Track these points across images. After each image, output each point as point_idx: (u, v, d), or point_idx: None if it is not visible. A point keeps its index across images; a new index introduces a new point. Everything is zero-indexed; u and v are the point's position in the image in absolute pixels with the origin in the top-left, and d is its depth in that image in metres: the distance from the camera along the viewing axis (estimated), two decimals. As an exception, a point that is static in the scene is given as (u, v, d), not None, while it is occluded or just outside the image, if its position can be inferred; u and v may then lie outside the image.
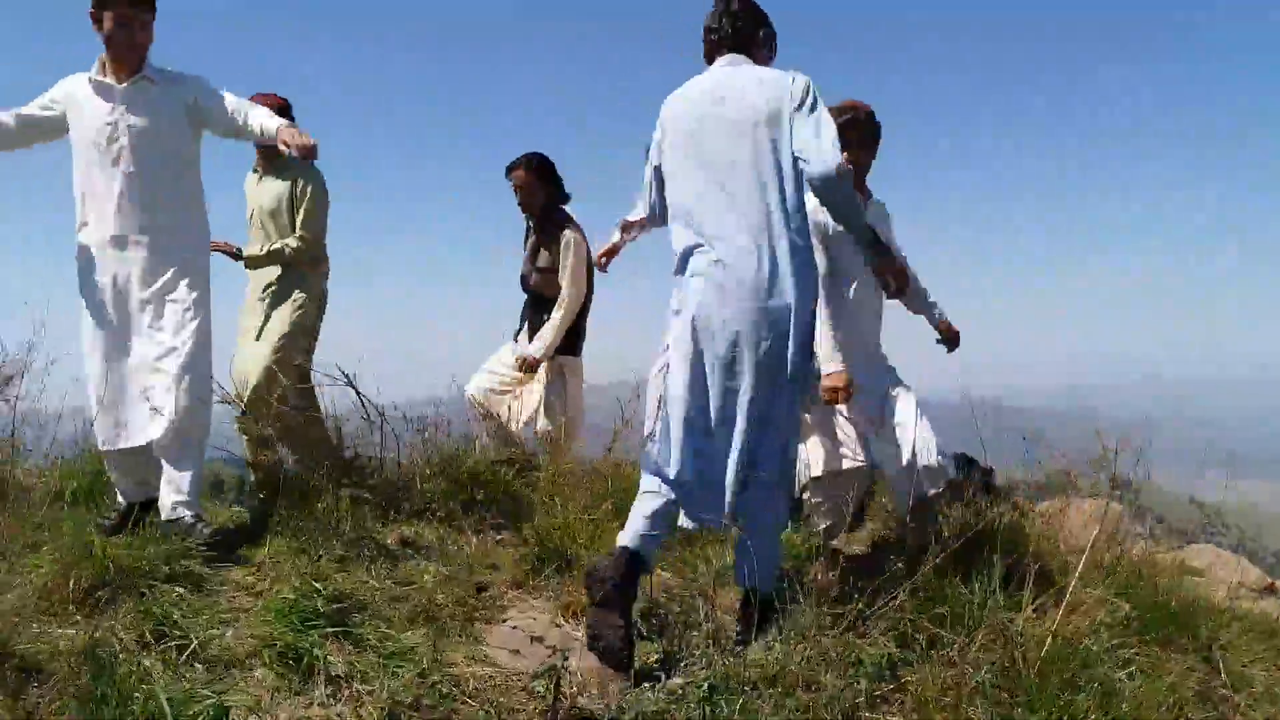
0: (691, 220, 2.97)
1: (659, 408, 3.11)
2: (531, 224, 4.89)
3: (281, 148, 3.39)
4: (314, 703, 2.42)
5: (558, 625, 3.02)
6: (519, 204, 4.85)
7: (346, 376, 3.91)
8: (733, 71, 3.07)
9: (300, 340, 4.17)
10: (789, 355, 2.87)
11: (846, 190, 2.93)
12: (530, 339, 4.82)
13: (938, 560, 2.90)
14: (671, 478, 2.90)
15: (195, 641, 2.53)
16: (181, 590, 2.90)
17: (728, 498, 2.89)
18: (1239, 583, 5.67)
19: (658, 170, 3.22)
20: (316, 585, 2.84)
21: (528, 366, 4.70)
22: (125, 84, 3.45)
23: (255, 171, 4.46)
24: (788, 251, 2.87)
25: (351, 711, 2.39)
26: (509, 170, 4.81)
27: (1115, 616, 3.01)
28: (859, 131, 3.68)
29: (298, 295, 4.23)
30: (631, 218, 3.64)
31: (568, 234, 4.74)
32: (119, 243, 3.43)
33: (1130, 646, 2.85)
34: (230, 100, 3.56)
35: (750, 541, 2.91)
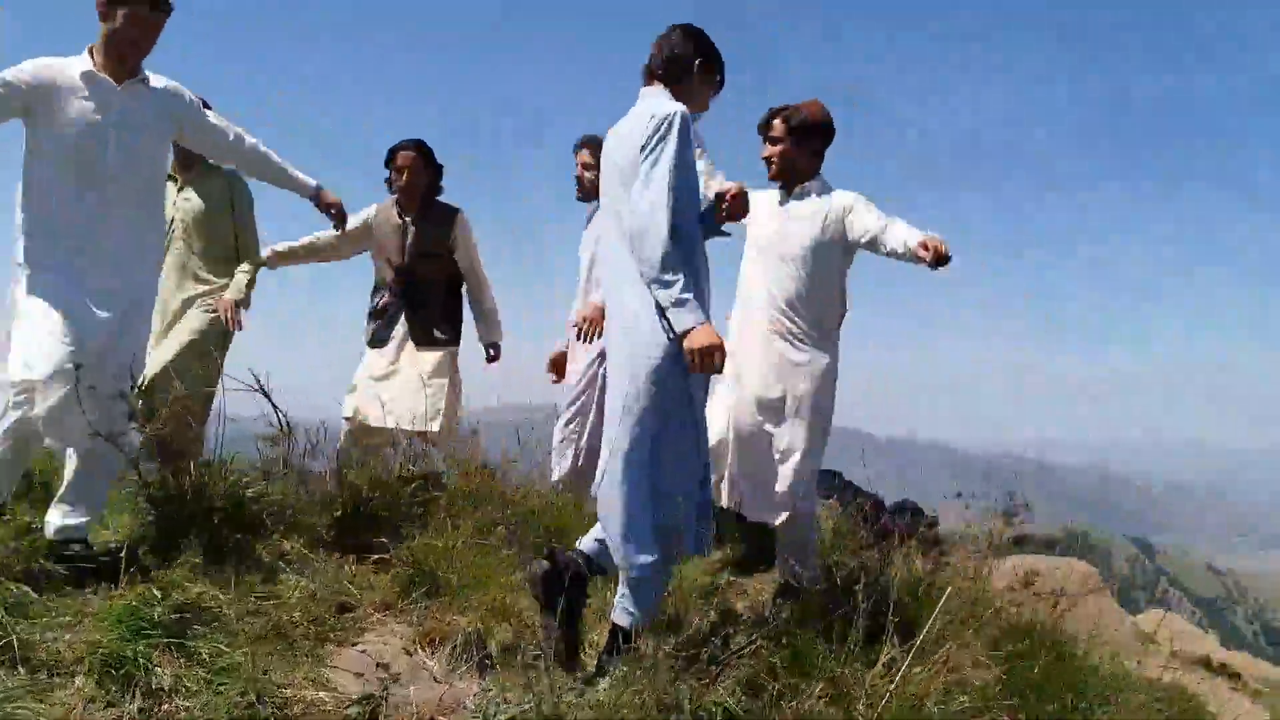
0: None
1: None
2: (404, 213, 4.79)
3: (320, 207, 3.78)
4: (124, 716, 2.37)
5: (409, 653, 2.95)
6: (400, 188, 4.74)
7: (259, 383, 3.86)
8: (636, 109, 3.05)
9: (205, 345, 4.17)
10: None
11: (647, 248, 2.78)
12: (415, 338, 4.72)
13: (797, 604, 2.83)
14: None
15: (16, 644, 2.49)
16: (26, 590, 2.86)
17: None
18: (1173, 652, 5.50)
19: None
20: (157, 593, 2.79)
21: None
22: (123, 85, 3.23)
23: (172, 179, 4.41)
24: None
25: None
26: (394, 152, 4.75)
27: (984, 679, 2.91)
28: (824, 139, 3.81)
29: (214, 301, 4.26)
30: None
31: (463, 214, 4.79)
32: (77, 251, 3.17)
33: (990, 711, 2.73)
34: (221, 124, 3.57)
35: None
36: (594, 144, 4.55)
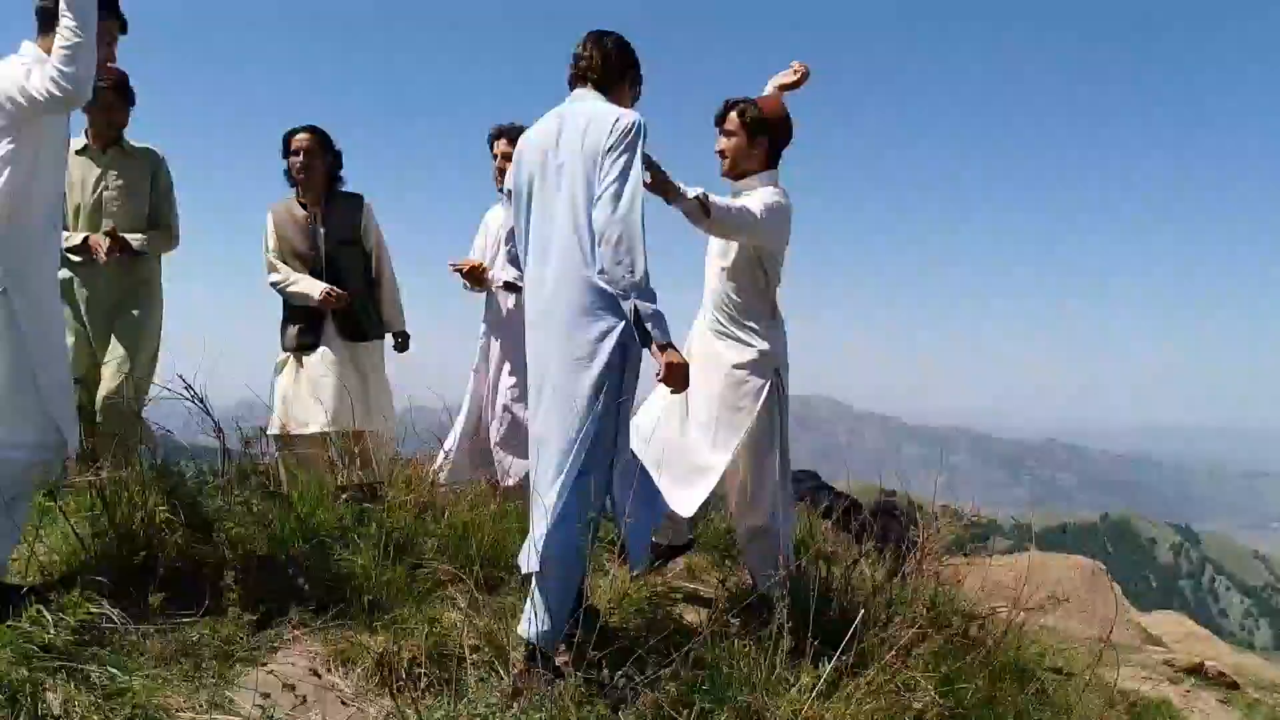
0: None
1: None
2: (308, 204, 4.58)
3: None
4: (3, 744, 2.29)
5: (315, 675, 2.85)
6: (297, 172, 4.51)
7: (189, 388, 3.77)
8: (581, 108, 3.02)
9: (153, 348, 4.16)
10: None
11: (631, 257, 2.80)
12: (346, 333, 4.52)
13: (718, 620, 2.69)
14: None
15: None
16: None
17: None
18: (1165, 661, 5.30)
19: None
20: (48, 617, 2.69)
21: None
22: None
23: (84, 153, 4.27)
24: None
25: (38, 757, 2.26)
26: (289, 136, 4.52)
27: (922, 701, 2.75)
28: (778, 136, 3.70)
29: (157, 301, 4.20)
30: None
31: (368, 201, 4.63)
32: None
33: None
34: None
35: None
36: (511, 133, 4.39)
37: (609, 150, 2.85)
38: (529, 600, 2.90)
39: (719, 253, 3.67)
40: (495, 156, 4.57)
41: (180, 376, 3.90)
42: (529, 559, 2.88)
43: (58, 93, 2.75)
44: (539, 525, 2.85)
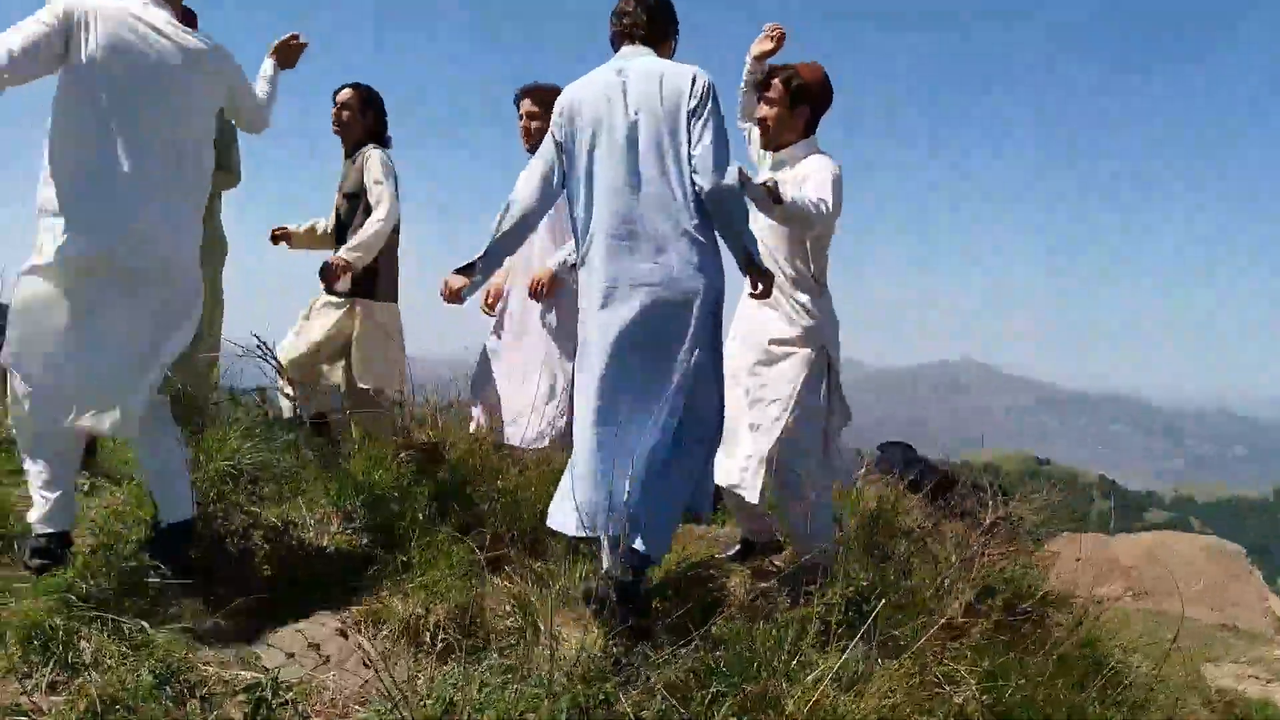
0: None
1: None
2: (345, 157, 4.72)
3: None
4: (37, 687, 2.38)
5: (343, 635, 2.86)
6: (336, 127, 4.68)
7: (262, 345, 3.90)
8: (637, 63, 3.04)
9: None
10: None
11: (732, 203, 2.96)
12: (355, 291, 4.46)
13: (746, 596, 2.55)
14: None
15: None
16: None
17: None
18: None
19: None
20: (104, 567, 2.80)
21: (338, 270, 4.28)
22: None
23: None
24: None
25: (65, 700, 2.34)
26: (337, 91, 4.68)
27: (962, 695, 2.53)
28: (819, 103, 3.60)
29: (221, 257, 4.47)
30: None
31: (374, 148, 4.56)
32: None
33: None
34: None
35: None
36: (537, 92, 4.34)
37: (694, 112, 2.92)
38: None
39: (766, 224, 3.49)
40: (521, 116, 4.46)
41: (255, 335, 4.02)
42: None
43: (264, 128, 3.42)
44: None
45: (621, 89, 2.99)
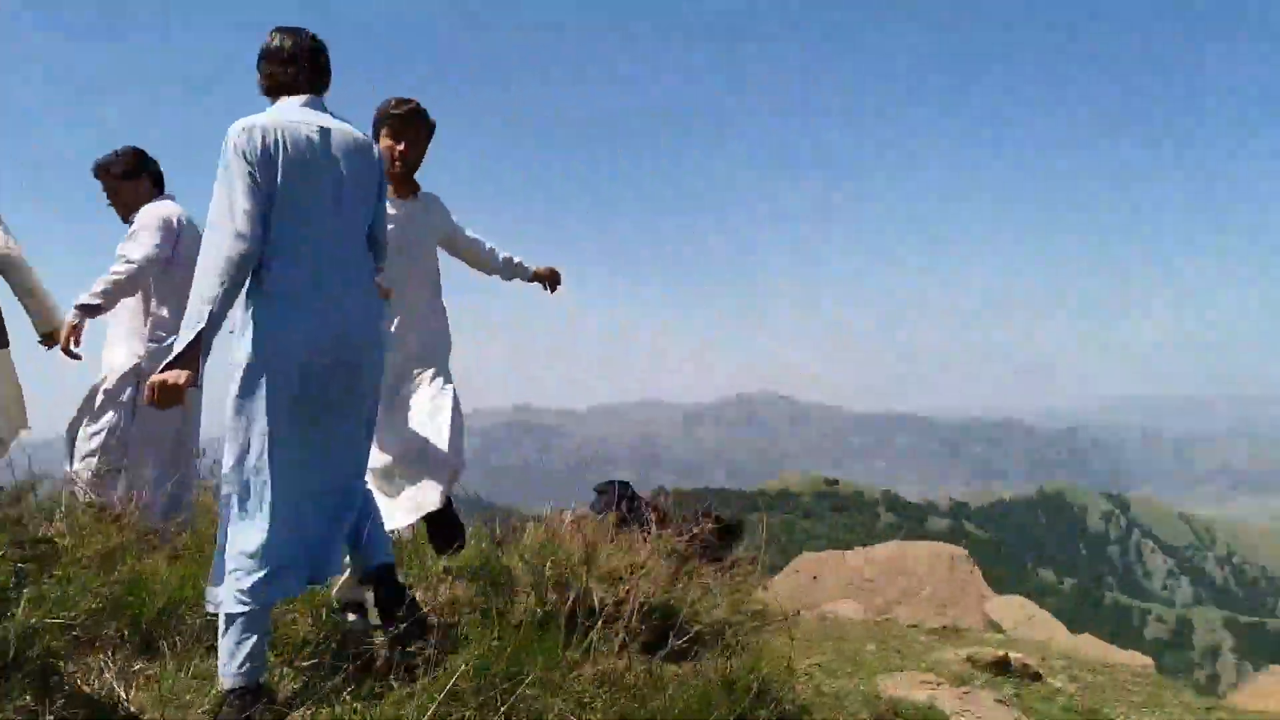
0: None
1: None
2: None
3: None
4: None
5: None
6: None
7: None
8: (330, 118, 2.89)
9: None
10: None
11: None
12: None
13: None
14: None
15: None
16: None
17: None
18: (969, 657, 5.08)
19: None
20: None
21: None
22: None
23: None
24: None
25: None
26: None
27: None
28: (414, 128, 3.63)
29: None
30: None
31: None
32: None
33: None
34: None
35: None
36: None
37: (378, 194, 2.97)
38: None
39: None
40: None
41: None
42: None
43: None
44: None
45: (323, 142, 2.86)
